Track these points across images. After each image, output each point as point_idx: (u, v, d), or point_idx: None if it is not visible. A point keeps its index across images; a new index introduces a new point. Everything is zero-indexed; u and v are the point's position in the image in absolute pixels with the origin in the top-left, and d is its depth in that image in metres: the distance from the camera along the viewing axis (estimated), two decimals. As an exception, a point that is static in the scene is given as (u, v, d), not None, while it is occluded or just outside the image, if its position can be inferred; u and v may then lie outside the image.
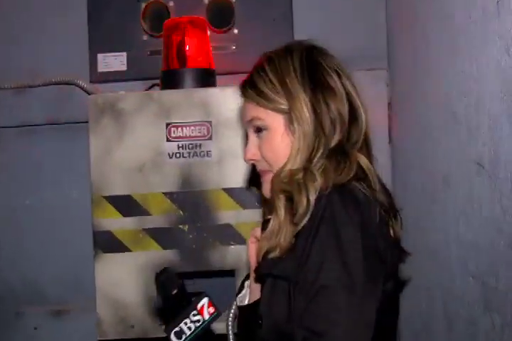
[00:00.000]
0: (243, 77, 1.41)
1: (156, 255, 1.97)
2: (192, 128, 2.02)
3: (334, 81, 1.37)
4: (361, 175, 1.32)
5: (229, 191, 2.01)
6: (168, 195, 2.00)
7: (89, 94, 2.20)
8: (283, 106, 1.34)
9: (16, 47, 2.42)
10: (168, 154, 2.01)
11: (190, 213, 2.00)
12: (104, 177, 1.97)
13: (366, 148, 1.40)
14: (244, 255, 1.65)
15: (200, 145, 2.02)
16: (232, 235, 1.99)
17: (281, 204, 1.32)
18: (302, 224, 1.26)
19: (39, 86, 2.37)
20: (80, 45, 2.37)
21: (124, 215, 1.97)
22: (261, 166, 1.42)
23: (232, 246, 1.98)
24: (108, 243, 1.96)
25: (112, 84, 2.33)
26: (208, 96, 2.04)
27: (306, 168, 1.31)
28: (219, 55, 2.29)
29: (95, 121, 1.98)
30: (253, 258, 1.43)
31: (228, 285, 1.94)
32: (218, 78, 2.18)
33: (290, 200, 1.31)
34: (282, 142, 1.36)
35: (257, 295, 1.41)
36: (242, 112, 1.45)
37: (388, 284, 1.31)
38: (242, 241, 1.96)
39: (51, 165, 2.42)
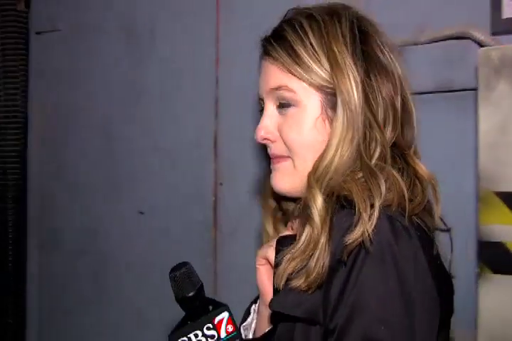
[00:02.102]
0: None
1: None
2: None
3: (388, 61, 1.10)
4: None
5: None
6: None
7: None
8: (324, 82, 1.07)
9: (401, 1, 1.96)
10: None
11: None
12: (496, 165, 1.35)
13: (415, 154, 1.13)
14: None
15: None
16: None
17: (318, 208, 1.00)
18: (352, 242, 0.95)
19: (426, 43, 1.88)
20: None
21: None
22: (276, 149, 1.15)
23: None
24: (498, 259, 1.35)
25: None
26: None
27: (370, 168, 1.01)
28: None
29: (486, 85, 1.35)
30: (264, 284, 1.16)
31: None
32: None
33: (337, 204, 1.01)
34: (314, 127, 1.09)
35: (265, 325, 1.16)
36: (263, 76, 1.15)
37: (440, 337, 1.04)
38: None
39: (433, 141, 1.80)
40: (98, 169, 2.61)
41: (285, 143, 1.12)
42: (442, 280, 1.05)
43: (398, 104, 1.10)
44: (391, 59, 1.12)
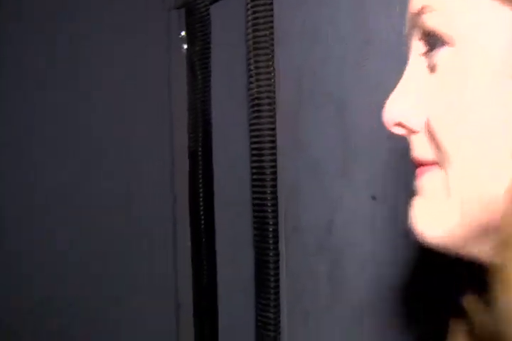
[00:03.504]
0: None
1: None
2: None
3: None
4: None
5: None
6: None
7: None
8: None
9: None
10: None
11: None
12: None
13: None
14: None
15: None
16: None
17: None
18: None
19: None
20: None
21: None
22: (419, 149, 0.57)
23: None
24: None
25: None
26: None
27: None
28: None
29: None
30: None
31: None
32: None
33: None
34: (492, 95, 0.48)
35: None
36: None
37: None
38: None
39: None
40: (331, 145, 2.13)
41: (430, 136, 0.55)
42: None
43: None
44: None
